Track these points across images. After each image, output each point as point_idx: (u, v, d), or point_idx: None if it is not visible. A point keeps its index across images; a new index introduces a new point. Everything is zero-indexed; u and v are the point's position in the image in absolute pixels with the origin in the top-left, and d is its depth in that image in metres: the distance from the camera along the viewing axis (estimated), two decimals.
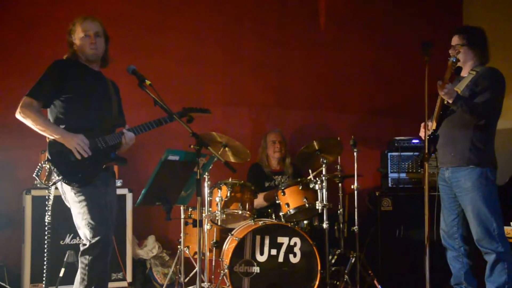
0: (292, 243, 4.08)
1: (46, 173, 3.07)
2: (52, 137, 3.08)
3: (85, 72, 3.27)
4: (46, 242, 3.44)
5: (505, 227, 4.37)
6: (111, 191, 3.32)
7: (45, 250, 3.49)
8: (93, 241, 3.08)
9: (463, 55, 3.70)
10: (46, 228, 3.36)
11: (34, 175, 3.09)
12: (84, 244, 3.12)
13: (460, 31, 3.78)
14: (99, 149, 3.14)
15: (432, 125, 3.69)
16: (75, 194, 3.09)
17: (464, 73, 3.79)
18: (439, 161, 3.79)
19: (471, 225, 3.64)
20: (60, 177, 3.04)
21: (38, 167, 3.07)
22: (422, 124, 3.87)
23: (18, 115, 3.11)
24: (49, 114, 3.21)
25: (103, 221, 3.14)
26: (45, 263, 3.51)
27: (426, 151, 3.45)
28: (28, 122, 3.10)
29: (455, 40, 3.74)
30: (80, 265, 3.13)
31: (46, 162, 3.05)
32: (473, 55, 3.73)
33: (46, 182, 3.06)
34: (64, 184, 3.10)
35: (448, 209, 3.79)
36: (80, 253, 3.14)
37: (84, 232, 3.12)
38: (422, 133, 3.84)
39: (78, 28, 3.24)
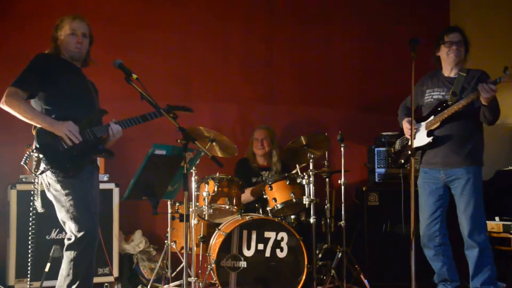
0: (279, 238, 4.09)
1: (34, 162, 3.04)
2: (40, 126, 3.05)
3: (68, 67, 3.28)
4: (30, 235, 3.41)
5: (490, 222, 4.47)
6: (96, 185, 3.31)
7: (29, 243, 3.46)
8: (78, 235, 3.06)
9: (460, 54, 3.78)
10: (30, 221, 3.32)
11: (22, 163, 3.06)
12: (69, 239, 3.10)
13: (459, 29, 3.83)
14: (87, 140, 3.13)
15: (432, 125, 3.75)
16: (61, 187, 3.07)
17: (450, 73, 3.85)
18: (434, 162, 3.81)
19: (464, 219, 3.71)
20: (48, 166, 3.02)
21: (26, 155, 3.05)
22: (406, 121, 3.91)
23: (3, 105, 3.08)
24: (34, 106, 3.18)
25: (89, 215, 3.13)
26: (29, 256, 3.48)
27: (412, 146, 3.47)
28: (14, 112, 3.06)
29: (458, 36, 3.78)
30: (65, 259, 3.11)
31: (35, 151, 3.02)
32: (464, 56, 3.83)
33: (36, 170, 3.03)
34: (49, 177, 3.08)
35: (430, 207, 3.83)
36: (65, 247, 3.12)
37: (70, 226, 3.09)
38: (408, 132, 3.88)
39: (66, 25, 3.25)
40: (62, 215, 3.12)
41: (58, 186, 3.07)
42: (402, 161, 4.08)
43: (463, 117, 3.69)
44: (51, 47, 3.29)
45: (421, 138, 3.83)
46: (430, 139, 3.77)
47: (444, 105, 3.72)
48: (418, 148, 3.88)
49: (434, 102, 3.82)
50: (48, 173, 3.06)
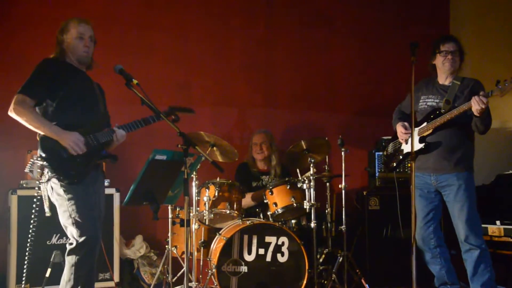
0: (280, 243, 4.08)
1: (39, 170, 3.05)
2: (46, 134, 3.05)
3: (74, 71, 3.28)
4: (29, 240, 3.42)
5: (491, 226, 4.46)
6: (100, 190, 3.33)
7: (27, 249, 3.47)
8: (80, 240, 3.06)
9: (455, 63, 3.83)
10: (31, 227, 3.33)
11: (26, 171, 3.08)
12: (71, 243, 3.10)
13: (455, 38, 3.88)
14: (91, 146, 3.13)
15: (425, 131, 3.78)
16: (64, 191, 3.07)
17: (445, 81, 3.89)
18: (425, 167, 3.84)
19: (459, 224, 3.73)
20: (53, 174, 3.02)
21: (30, 162, 3.06)
22: (400, 125, 3.94)
23: (12, 113, 3.08)
24: (40, 112, 3.17)
25: (92, 220, 3.13)
26: (26, 260, 3.49)
27: (413, 151, 3.47)
28: (22, 120, 3.07)
29: (453, 46, 3.82)
30: (66, 264, 3.11)
31: (39, 159, 3.03)
32: (459, 65, 3.87)
33: (41, 177, 3.03)
34: (53, 181, 3.07)
35: (422, 210, 3.86)
36: (66, 252, 3.12)
37: (71, 231, 3.09)
38: (402, 136, 3.93)
39: (72, 29, 3.26)
40: (64, 219, 3.11)
41: (61, 191, 3.07)
42: (394, 164, 4.11)
43: (455, 125, 3.72)
44: (56, 50, 3.28)
45: (414, 144, 3.85)
46: (422, 145, 3.81)
47: (437, 113, 3.76)
48: (410, 153, 3.87)
49: (428, 108, 3.86)
50: (52, 178, 3.07)
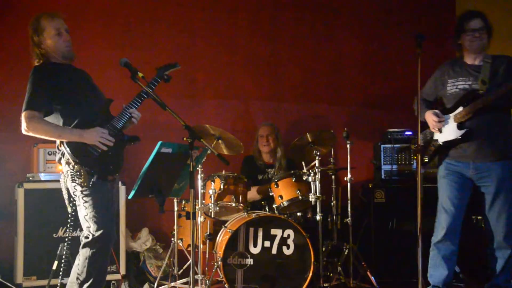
0: (285, 235, 4.09)
1: (78, 175, 3.01)
2: (70, 140, 3.03)
3: (65, 69, 3.22)
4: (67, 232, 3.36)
5: None
6: (115, 185, 3.34)
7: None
8: (96, 234, 3.07)
9: (483, 42, 3.59)
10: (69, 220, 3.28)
11: (72, 182, 3.02)
12: (87, 237, 3.10)
13: (481, 14, 3.60)
14: (115, 135, 3.13)
15: (463, 116, 3.55)
16: (83, 187, 3.05)
17: (474, 61, 3.66)
18: (464, 155, 3.59)
19: (499, 220, 3.54)
20: (95, 175, 3.03)
21: (71, 172, 3.02)
22: (431, 113, 3.70)
23: (27, 132, 3.04)
24: (54, 121, 3.13)
25: (108, 215, 3.15)
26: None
27: (419, 143, 3.43)
28: (40, 134, 3.04)
29: (479, 22, 3.55)
30: (80, 257, 3.12)
31: (76, 165, 3.01)
32: (488, 43, 3.62)
33: (85, 184, 3.01)
34: (70, 176, 3.04)
35: (460, 202, 3.62)
36: (81, 245, 3.12)
37: (88, 225, 3.10)
38: (435, 125, 3.69)
39: (47, 27, 3.16)
40: (81, 213, 3.11)
41: (80, 186, 3.05)
42: (426, 159, 3.80)
43: (495, 109, 3.48)
44: (38, 54, 3.17)
45: (451, 131, 3.61)
46: (463, 131, 3.54)
47: (475, 95, 3.50)
48: (448, 142, 3.65)
49: (460, 92, 3.60)
50: (72, 173, 3.04)
